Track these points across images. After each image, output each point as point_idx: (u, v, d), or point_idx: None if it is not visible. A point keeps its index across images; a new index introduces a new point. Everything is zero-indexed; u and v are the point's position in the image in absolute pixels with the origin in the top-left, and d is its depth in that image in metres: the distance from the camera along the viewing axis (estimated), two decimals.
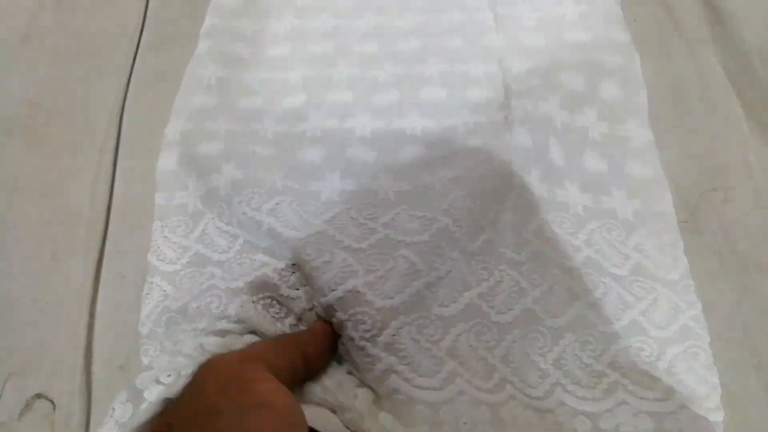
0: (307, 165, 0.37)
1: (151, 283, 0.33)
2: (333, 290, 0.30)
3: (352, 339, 0.28)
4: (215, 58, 0.42)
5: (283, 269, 0.31)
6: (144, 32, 0.46)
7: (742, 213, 0.36)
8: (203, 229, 0.35)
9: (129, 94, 0.42)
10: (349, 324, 0.28)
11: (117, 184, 0.38)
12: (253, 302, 0.30)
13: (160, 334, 0.31)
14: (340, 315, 0.29)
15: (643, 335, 0.31)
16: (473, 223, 0.33)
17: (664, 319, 0.31)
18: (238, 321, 0.29)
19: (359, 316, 0.29)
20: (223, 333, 0.28)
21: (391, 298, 0.30)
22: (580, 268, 0.32)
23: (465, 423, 0.26)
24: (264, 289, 0.31)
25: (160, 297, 0.32)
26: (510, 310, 0.31)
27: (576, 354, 0.30)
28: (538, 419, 0.28)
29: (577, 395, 0.29)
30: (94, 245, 0.36)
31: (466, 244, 0.32)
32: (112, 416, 0.24)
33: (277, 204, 0.34)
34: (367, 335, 0.28)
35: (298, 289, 0.31)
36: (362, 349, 0.28)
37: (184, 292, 0.32)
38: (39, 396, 0.31)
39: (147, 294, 0.33)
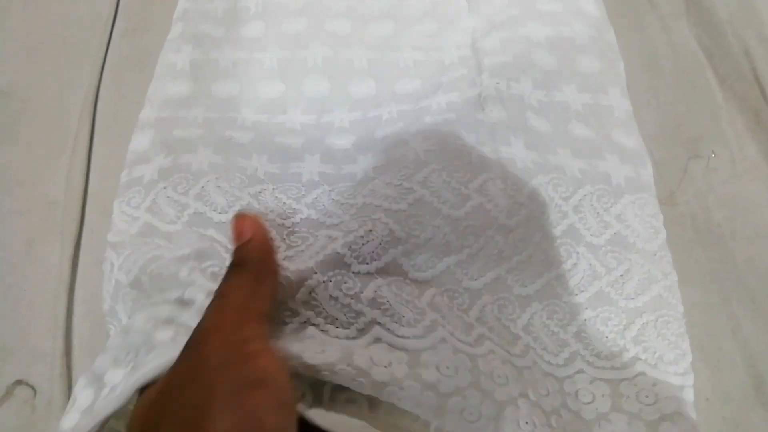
0: (286, 149, 0.37)
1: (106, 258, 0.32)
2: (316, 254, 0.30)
3: (335, 298, 0.28)
4: (188, 40, 0.41)
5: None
6: (117, 19, 0.45)
7: (718, 182, 0.36)
8: (153, 199, 0.34)
9: (102, 82, 0.42)
10: (331, 284, 0.29)
11: (92, 171, 0.38)
12: (200, 270, 0.28)
13: (119, 311, 0.30)
14: (318, 277, 0.29)
15: (609, 305, 0.32)
16: (454, 192, 0.32)
17: (635, 290, 0.32)
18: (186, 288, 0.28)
19: (339, 277, 0.29)
20: (179, 302, 0.28)
21: (368, 263, 0.30)
22: (560, 237, 0.33)
23: (447, 368, 0.26)
24: (210, 257, 0.30)
25: (109, 269, 0.31)
26: (482, 277, 0.31)
27: (544, 322, 0.31)
28: (516, 374, 0.28)
29: (545, 360, 0.31)
30: (71, 233, 0.36)
31: (449, 211, 0.32)
32: (74, 405, 0.24)
33: (259, 192, 0.34)
34: (351, 293, 0.28)
35: None
36: (346, 305, 0.28)
37: (131, 263, 0.31)
38: (19, 382, 0.31)
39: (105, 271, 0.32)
